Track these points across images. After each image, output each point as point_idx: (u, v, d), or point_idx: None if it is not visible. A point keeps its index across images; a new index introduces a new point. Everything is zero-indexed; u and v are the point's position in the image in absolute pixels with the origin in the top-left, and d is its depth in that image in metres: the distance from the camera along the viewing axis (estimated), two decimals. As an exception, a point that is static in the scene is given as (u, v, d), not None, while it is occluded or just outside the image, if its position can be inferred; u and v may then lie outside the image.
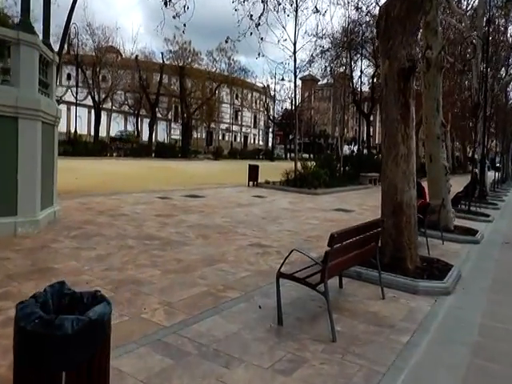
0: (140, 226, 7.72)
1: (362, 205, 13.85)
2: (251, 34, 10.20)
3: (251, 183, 16.75)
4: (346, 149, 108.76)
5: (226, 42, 11.33)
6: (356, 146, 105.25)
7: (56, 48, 11.84)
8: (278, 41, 20.72)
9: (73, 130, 36.16)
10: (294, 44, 16.09)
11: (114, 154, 34.25)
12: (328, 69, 30.14)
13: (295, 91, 16.94)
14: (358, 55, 26.89)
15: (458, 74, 29.54)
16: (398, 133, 6.04)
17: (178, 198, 11.94)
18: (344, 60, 30.53)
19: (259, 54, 12.64)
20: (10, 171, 6.61)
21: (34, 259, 5.40)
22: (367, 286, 5.30)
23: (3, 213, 6.51)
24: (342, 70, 29.33)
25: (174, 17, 8.37)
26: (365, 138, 36.23)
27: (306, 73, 31.99)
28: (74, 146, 29.60)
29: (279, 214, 10.62)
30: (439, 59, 9.21)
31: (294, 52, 16.11)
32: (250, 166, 16.84)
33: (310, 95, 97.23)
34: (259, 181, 16.97)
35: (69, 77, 39.60)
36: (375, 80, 28.11)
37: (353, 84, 25.32)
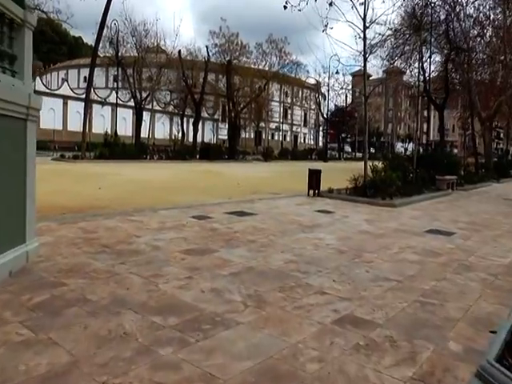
0: (155, 279, 4.80)
1: (456, 222, 10.51)
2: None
3: (311, 192, 13.64)
4: (399, 147, 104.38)
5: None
6: (411, 144, 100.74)
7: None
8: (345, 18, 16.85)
9: (110, 132, 34.11)
10: (364, 18, 12.84)
11: (155, 157, 31.91)
12: (388, 59, 26.82)
13: (364, 76, 13.52)
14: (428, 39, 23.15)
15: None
16: None
17: (220, 216, 9.00)
18: (407, 47, 27.10)
19: (326, 26, 9.59)
20: None
21: None
22: None
23: None
24: (406, 58, 25.82)
25: None
26: (430, 135, 32.21)
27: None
28: (111, 149, 27.39)
29: (360, 242, 7.50)
30: None
31: (364, 28, 12.85)
32: (310, 170, 13.72)
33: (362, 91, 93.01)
34: (321, 188, 13.84)
35: (115, 79, 37.64)
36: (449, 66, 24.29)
37: (424, 71, 21.64)
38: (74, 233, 6.67)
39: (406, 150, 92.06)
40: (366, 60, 13.19)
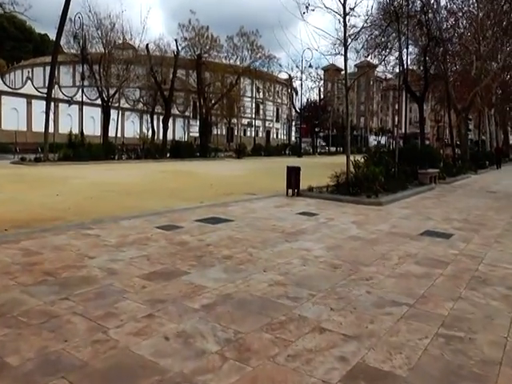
0: (105, 322, 3.67)
1: (449, 220, 9.68)
2: None
3: (290, 191, 12.63)
4: (372, 140, 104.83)
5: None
6: (384, 137, 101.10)
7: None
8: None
9: (79, 132, 32.42)
10: (344, 4, 11.84)
11: (124, 157, 30.39)
12: (363, 52, 26.18)
13: (345, 65, 12.54)
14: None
15: None
16: None
17: (190, 225, 7.88)
18: (383, 39, 26.56)
19: (307, 7, 8.56)
20: None
21: None
22: None
23: None
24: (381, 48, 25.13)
25: None
26: (403, 128, 31.66)
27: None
28: (76, 150, 25.82)
29: (353, 252, 6.51)
30: None
31: (344, 15, 11.86)
32: (288, 168, 12.70)
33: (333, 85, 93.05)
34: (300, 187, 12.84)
35: (82, 77, 35.84)
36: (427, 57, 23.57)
37: (402, 62, 20.86)
38: (12, 256, 5.46)
39: (379, 142, 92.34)
40: (346, 49, 12.25)
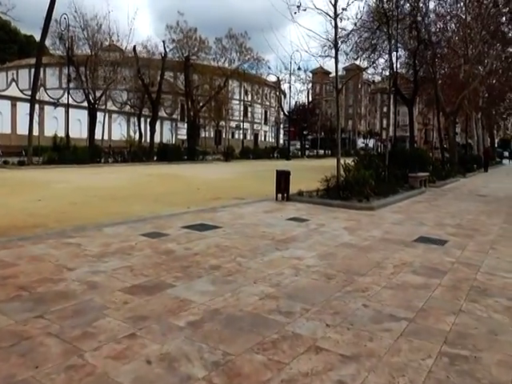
0: (81, 344, 3.34)
1: (443, 225, 9.48)
2: None
3: (280, 196, 12.36)
4: (360, 143, 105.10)
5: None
6: (372, 140, 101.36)
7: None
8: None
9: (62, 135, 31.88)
10: (335, 5, 11.61)
11: (110, 160, 29.88)
12: (352, 54, 26.12)
13: (336, 68, 12.31)
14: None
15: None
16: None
17: (176, 232, 7.57)
18: (373, 41, 26.50)
19: (298, 7, 8.33)
20: None
21: None
22: None
23: None
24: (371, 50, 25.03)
25: None
26: (390, 131, 31.55)
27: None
28: (61, 153, 25.30)
29: (347, 260, 6.25)
30: None
31: (335, 16, 11.63)
32: (278, 172, 12.43)
33: (322, 88, 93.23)
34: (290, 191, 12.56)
35: (69, 79, 35.20)
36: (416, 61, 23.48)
37: (392, 65, 20.71)
38: (-16, 268, 5.13)
39: (366, 145, 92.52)
40: (337, 50, 12.03)
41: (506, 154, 71.31)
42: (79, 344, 3.35)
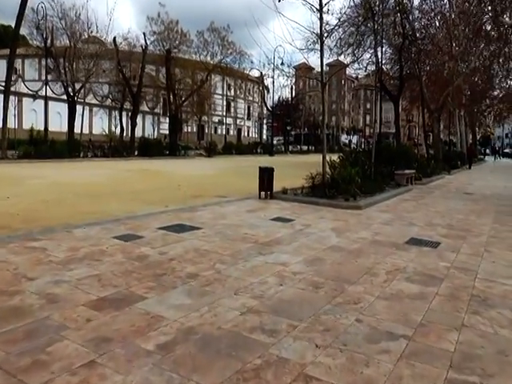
0: (28, 377, 2.80)
1: (433, 226, 9.12)
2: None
3: (263, 193, 11.88)
4: (343, 139, 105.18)
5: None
6: (355, 136, 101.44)
7: None
8: None
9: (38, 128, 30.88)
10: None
11: (89, 155, 29.05)
12: (337, 50, 25.76)
13: (321, 61, 11.84)
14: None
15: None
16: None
17: (152, 234, 7.04)
18: (358, 37, 26.15)
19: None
20: None
21: None
22: None
23: None
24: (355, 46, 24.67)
25: None
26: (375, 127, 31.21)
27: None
28: (37, 147, 24.44)
29: (336, 266, 5.80)
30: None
31: (321, 7, 11.15)
32: (261, 169, 11.94)
33: (305, 83, 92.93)
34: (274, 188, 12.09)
35: (47, 70, 34.11)
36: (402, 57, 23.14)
37: (377, 61, 20.34)
38: None
39: (350, 141, 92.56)
40: (322, 43, 11.55)
41: (488, 150, 72.23)
42: (26, 377, 2.82)
